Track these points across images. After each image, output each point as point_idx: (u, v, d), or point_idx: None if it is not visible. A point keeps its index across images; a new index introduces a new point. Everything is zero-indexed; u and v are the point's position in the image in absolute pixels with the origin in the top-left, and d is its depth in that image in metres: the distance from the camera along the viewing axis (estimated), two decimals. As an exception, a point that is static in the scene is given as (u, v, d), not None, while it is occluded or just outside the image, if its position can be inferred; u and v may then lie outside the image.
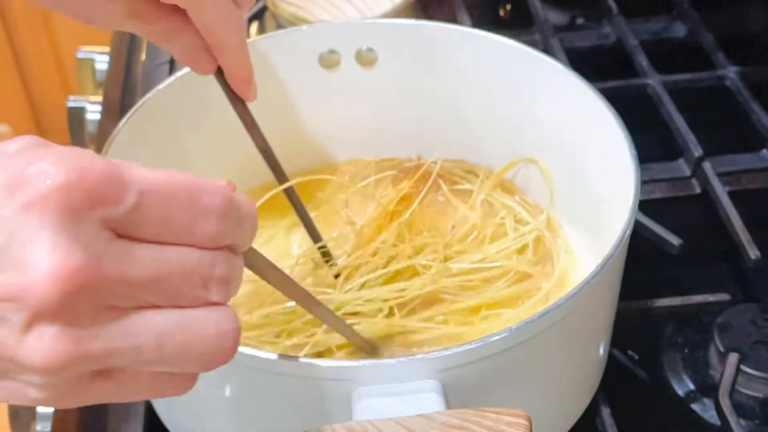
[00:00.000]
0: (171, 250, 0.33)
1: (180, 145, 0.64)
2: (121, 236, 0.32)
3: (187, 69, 0.64)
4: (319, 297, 0.51)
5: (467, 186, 0.66)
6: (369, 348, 0.56)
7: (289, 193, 0.62)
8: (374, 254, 0.60)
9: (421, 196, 0.64)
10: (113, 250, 0.31)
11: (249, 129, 0.59)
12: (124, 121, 0.59)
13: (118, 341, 0.32)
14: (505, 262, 0.60)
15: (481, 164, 0.69)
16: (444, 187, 0.65)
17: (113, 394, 0.34)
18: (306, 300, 0.47)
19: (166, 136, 0.63)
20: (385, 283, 0.58)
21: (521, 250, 0.61)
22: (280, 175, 0.61)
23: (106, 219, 0.31)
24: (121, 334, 0.32)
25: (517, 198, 0.66)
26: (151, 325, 0.33)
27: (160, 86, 0.62)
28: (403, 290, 0.57)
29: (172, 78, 0.63)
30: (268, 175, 0.70)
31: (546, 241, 0.62)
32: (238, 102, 0.58)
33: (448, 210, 0.65)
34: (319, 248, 0.62)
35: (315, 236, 0.62)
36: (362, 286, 0.58)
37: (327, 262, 0.61)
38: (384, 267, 0.59)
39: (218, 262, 0.34)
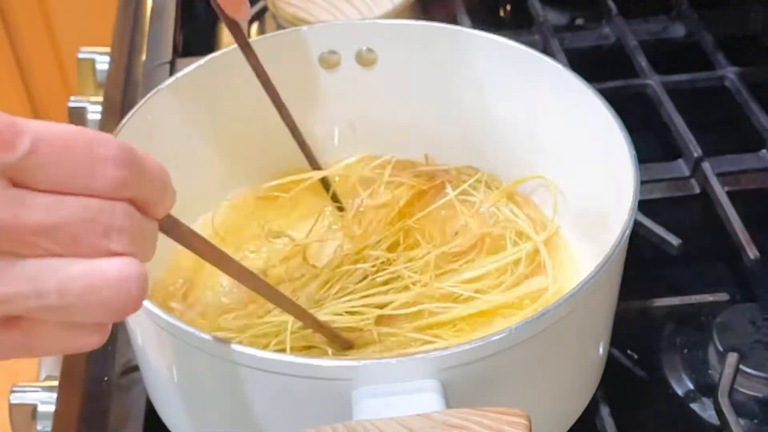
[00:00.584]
0: (69, 198, 0.33)
1: (180, 144, 0.64)
2: (17, 185, 0.32)
3: (187, 69, 0.64)
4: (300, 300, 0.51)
5: (473, 197, 0.66)
6: (341, 343, 0.55)
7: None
8: (363, 259, 0.60)
9: (434, 205, 0.64)
10: (7, 196, 0.32)
11: (242, 48, 0.61)
12: (124, 121, 0.59)
13: (17, 285, 0.33)
14: (496, 280, 0.59)
15: (480, 165, 0.69)
16: (450, 191, 0.65)
17: (22, 346, 0.34)
18: (246, 279, 0.47)
19: (167, 136, 0.63)
20: (372, 287, 0.58)
21: (516, 261, 0.61)
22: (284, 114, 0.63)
23: (0, 166, 0.31)
24: (21, 277, 0.33)
25: (521, 212, 0.65)
26: (52, 270, 0.33)
27: (161, 86, 0.62)
28: (384, 305, 0.57)
29: (173, 78, 0.63)
30: (268, 174, 0.71)
31: (542, 254, 0.62)
32: (232, 24, 0.60)
33: (448, 215, 0.65)
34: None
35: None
36: (347, 292, 0.58)
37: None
38: (373, 274, 0.59)
39: (119, 212, 0.34)
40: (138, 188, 0.35)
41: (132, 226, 0.34)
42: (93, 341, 0.36)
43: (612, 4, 0.90)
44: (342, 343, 0.55)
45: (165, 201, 0.37)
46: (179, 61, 0.85)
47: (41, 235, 0.33)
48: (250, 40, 0.63)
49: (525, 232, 0.63)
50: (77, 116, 0.85)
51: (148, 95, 0.61)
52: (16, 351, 0.35)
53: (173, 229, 0.39)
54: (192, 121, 0.65)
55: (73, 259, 0.33)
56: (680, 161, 0.75)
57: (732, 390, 0.57)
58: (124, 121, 0.59)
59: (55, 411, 0.59)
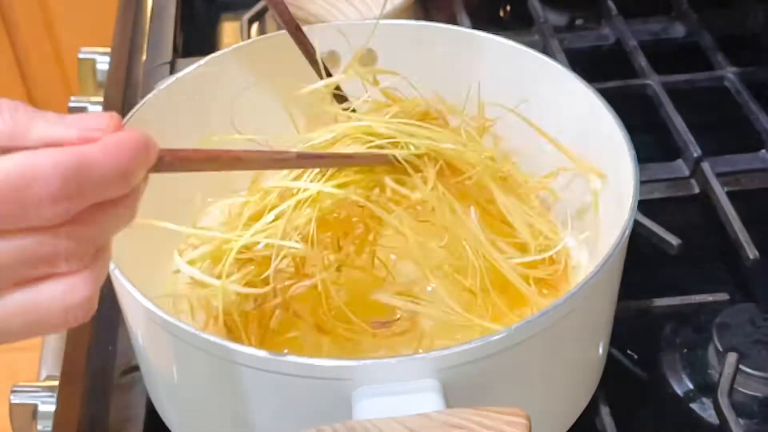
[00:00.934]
0: (4, 242, 0.32)
1: (180, 145, 0.64)
2: None
3: (187, 69, 0.64)
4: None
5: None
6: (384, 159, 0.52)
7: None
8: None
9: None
10: None
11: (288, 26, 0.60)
12: (124, 121, 0.59)
13: None
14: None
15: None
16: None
17: None
18: (245, 162, 0.45)
19: (167, 136, 0.63)
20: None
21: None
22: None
23: None
24: None
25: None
26: None
27: (161, 86, 0.62)
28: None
29: (173, 78, 0.63)
30: (270, 173, 0.70)
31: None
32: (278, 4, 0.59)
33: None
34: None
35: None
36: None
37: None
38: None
39: (62, 240, 0.33)
40: (87, 200, 0.33)
41: (80, 246, 0.34)
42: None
43: (612, 4, 0.90)
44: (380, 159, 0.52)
45: (127, 181, 0.35)
46: (179, 61, 0.85)
47: None
48: (250, 40, 0.63)
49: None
50: (77, 116, 0.85)
51: (148, 95, 0.61)
52: None
53: (166, 167, 0.39)
54: (192, 121, 0.65)
55: (14, 294, 0.33)
56: (680, 161, 0.75)
57: (732, 390, 0.57)
58: (124, 121, 0.59)
59: (56, 411, 0.59)
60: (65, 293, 0.34)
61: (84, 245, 0.34)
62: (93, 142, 0.33)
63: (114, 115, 0.34)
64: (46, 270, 0.33)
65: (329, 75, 0.63)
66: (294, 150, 0.50)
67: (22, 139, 0.33)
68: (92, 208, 0.34)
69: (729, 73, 0.81)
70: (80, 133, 0.33)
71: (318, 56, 0.62)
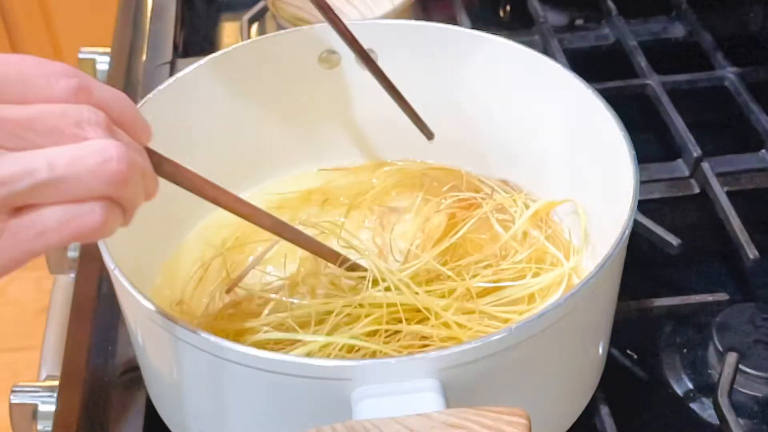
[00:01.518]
0: (37, 104, 0.38)
1: (180, 145, 0.64)
2: None
3: (187, 69, 0.64)
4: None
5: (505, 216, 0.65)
6: (336, 258, 0.56)
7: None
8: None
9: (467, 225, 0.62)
10: None
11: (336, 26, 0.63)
12: (124, 121, 0.59)
13: (11, 167, 0.36)
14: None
15: (479, 164, 0.69)
16: (491, 219, 0.64)
17: (35, 232, 0.37)
18: (251, 214, 0.50)
19: (167, 136, 0.63)
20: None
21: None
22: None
23: None
24: (13, 161, 0.36)
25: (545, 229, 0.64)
26: (40, 153, 0.37)
27: (161, 86, 0.62)
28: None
29: (173, 78, 0.63)
30: (268, 174, 0.71)
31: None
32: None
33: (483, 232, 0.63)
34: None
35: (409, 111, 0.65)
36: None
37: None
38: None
39: (84, 108, 0.38)
40: (95, 100, 0.39)
41: (103, 120, 0.38)
42: (96, 219, 0.38)
43: (612, 4, 0.90)
44: (346, 263, 0.57)
45: (138, 121, 0.41)
46: (179, 61, 0.85)
47: (23, 127, 0.37)
48: (249, 41, 0.63)
49: (554, 256, 0.61)
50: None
51: (148, 95, 0.61)
52: (31, 240, 0.37)
53: (173, 172, 0.44)
54: (192, 122, 0.65)
55: (56, 147, 0.37)
56: (680, 161, 0.75)
57: (731, 390, 0.57)
58: (124, 121, 0.59)
59: (56, 411, 0.59)
60: (99, 144, 0.37)
61: (108, 123, 0.39)
62: None
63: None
64: (77, 130, 0.38)
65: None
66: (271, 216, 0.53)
67: None
68: (115, 120, 0.40)
69: (729, 73, 0.81)
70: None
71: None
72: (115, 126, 0.40)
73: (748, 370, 0.59)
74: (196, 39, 0.93)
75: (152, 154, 0.43)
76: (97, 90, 0.39)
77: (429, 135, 0.66)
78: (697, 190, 0.73)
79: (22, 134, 0.37)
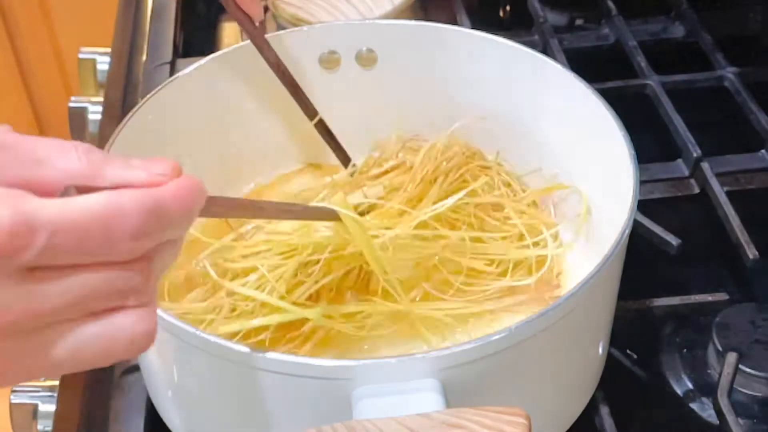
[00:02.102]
0: (82, 278, 0.34)
1: (180, 145, 0.64)
2: (33, 269, 0.33)
3: (187, 69, 0.64)
4: None
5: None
6: (332, 214, 0.55)
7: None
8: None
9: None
10: (19, 293, 0.33)
11: (259, 48, 0.63)
12: (125, 121, 0.59)
13: (34, 353, 0.34)
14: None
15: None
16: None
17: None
18: (252, 211, 0.50)
19: (167, 136, 0.63)
20: None
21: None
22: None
23: (16, 265, 0.32)
24: (36, 348, 0.34)
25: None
26: (67, 341, 0.35)
27: (161, 86, 0.62)
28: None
29: (173, 78, 0.63)
30: (268, 172, 0.71)
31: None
32: (247, 21, 0.61)
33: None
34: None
35: (344, 158, 0.66)
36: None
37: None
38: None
39: (134, 275, 0.35)
40: (159, 238, 0.36)
41: (148, 281, 0.36)
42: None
43: (612, 5, 0.90)
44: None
45: (189, 222, 0.37)
46: (179, 61, 0.85)
47: (59, 314, 0.34)
48: (249, 41, 0.63)
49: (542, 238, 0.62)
50: (77, 116, 0.86)
51: (149, 95, 0.61)
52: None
53: (222, 212, 0.44)
54: (192, 121, 0.65)
55: (86, 325, 0.35)
56: (679, 161, 0.75)
57: (731, 390, 0.57)
58: (124, 121, 0.59)
59: (56, 410, 0.60)
60: (134, 324, 0.36)
61: (151, 280, 0.36)
62: (159, 185, 0.36)
63: (175, 164, 0.36)
64: (119, 302, 0.35)
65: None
66: (302, 204, 0.55)
67: (98, 179, 0.35)
68: (157, 246, 0.36)
69: (729, 73, 0.81)
70: (149, 177, 0.36)
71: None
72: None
73: (748, 370, 0.59)
74: (196, 39, 0.93)
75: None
76: (164, 229, 0.36)
77: (345, 161, 0.67)
78: (697, 190, 0.73)
79: (53, 319, 0.34)
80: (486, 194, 0.63)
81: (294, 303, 0.55)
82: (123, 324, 0.35)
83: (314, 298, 0.58)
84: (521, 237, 0.62)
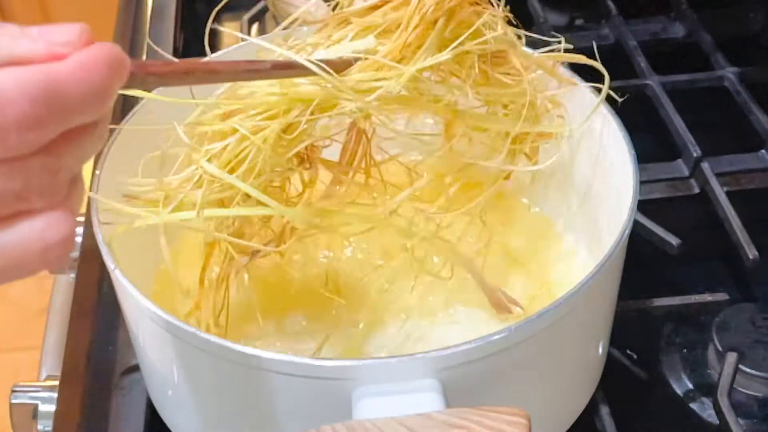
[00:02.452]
0: None
1: (181, 145, 0.64)
2: None
3: (187, 69, 0.63)
4: None
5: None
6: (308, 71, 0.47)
7: None
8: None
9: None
10: None
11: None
12: (124, 121, 0.59)
13: None
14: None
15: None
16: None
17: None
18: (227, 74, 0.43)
19: (167, 136, 0.63)
20: None
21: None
22: None
23: None
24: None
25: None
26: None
27: (160, 86, 0.62)
28: None
29: (173, 78, 0.63)
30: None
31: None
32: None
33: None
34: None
35: None
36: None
37: None
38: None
39: (33, 172, 0.30)
40: (58, 126, 0.30)
41: (53, 179, 0.31)
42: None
43: (612, 4, 0.90)
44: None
45: (102, 102, 0.31)
46: (179, 61, 0.85)
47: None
48: (249, 41, 0.63)
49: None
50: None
51: (148, 95, 0.61)
52: None
53: (137, 84, 0.35)
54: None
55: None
56: (679, 161, 0.75)
57: (731, 390, 0.57)
58: (124, 121, 0.59)
59: (56, 411, 0.60)
60: (43, 231, 0.31)
61: (58, 178, 0.31)
62: (62, 58, 0.30)
63: (84, 26, 0.31)
64: (19, 206, 0.30)
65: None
66: (268, 60, 0.47)
67: None
68: (63, 135, 0.30)
69: (729, 73, 0.82)
70: (48, 48, 0.30)
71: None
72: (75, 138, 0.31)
73: (748, 370, 0.59)
74: (196, 39, 0.93)
75: (136, 74, 0.35)
76: (64, 112, 0.30)
77: None
78: (697, 190, 0.73)
79: None
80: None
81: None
82: (31, 230, 0.30)
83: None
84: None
